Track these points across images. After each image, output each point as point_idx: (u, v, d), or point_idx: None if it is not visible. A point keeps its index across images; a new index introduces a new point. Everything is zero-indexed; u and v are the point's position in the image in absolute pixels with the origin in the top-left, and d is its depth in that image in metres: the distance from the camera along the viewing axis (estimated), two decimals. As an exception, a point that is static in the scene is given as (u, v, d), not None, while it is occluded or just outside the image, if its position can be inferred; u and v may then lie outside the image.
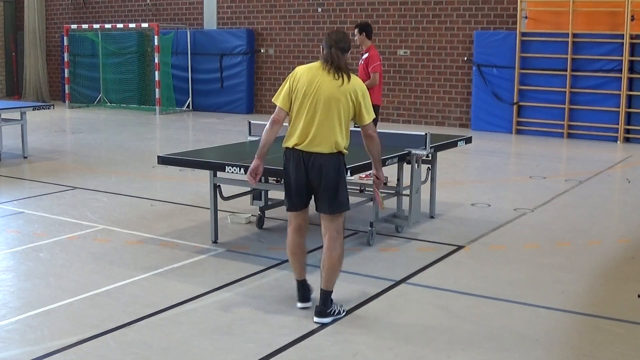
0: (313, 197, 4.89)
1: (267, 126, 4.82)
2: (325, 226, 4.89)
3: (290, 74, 4.82)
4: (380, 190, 6.93)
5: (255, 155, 4.89)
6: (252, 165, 4.89)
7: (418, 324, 4.79)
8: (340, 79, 4.70)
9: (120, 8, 20.76)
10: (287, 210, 4.96)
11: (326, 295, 4.81)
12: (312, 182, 4.77)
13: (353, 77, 4.78)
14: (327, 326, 4.72)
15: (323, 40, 4.85)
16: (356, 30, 9.20)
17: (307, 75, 4.74)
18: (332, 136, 4.73)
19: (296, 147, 4.74)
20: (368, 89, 9.00)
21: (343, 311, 4.87)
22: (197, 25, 19.30)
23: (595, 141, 13.90)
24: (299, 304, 5.01)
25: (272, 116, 4.81)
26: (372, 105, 9.23)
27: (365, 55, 9.13)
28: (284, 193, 4.95)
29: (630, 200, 8.91)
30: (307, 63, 18.03)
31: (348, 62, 4.82)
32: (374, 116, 4.97)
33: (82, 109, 19.71)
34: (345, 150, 4.86)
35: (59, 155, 11.92)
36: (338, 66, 4.72)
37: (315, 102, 4.69)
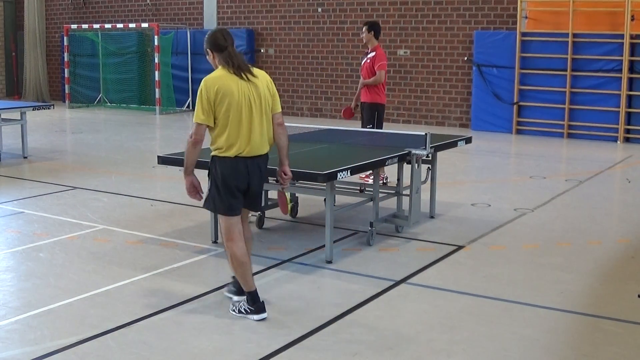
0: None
1: (189, 147, 4.70)
2: (244, 223, 5.00)
3: (201, 88, 4.62)
4: (380, 190, 6.96)
5: (185, 175, 4.83)
6: (187, 185, 4.83)
7: (418, 324, 4.79)
8: (250, 76, 4.70)
9: (120, 8, 20.76)
10: (230, 215, 4.79)
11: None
12: (249, 186, 4.81)
13: (256, 70, 4.83)
14: (327, 326, 4.71)
15: (207, 44, 4.74)
16: (365, 28, 9.20)
17: (221, 86, 4.61)
18: (267, 135, 4.86)
19: (239, 156, 4.69)
20: (372, 87, 9.06)
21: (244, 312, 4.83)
22: (197, 25, 19.30)
23: (595, 141, 13.90)
24: (258, 316, 4.78)
25: (193, 136, 4.65)
26: (377, 104, 9.30)
27: (372, 54, 9.14)
28: (217, 201, 4.79)
29: (630, 200, 8.92)
30: (307, 63, 18.12)
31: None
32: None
33: (82, 109, 19.71)
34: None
35: (59, 155, 11.92)
36: (239, 66, 4.67)
37: (246, 108, 4.66)
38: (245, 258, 4.84)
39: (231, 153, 4.69)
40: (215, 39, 4.71)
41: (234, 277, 5.09)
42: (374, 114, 9.09)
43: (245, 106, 4.65)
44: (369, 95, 9.14)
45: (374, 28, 9.21)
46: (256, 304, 4.81)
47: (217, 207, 4.82)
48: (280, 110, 4.95)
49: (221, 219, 4.87)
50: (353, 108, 9.55)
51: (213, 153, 4.77)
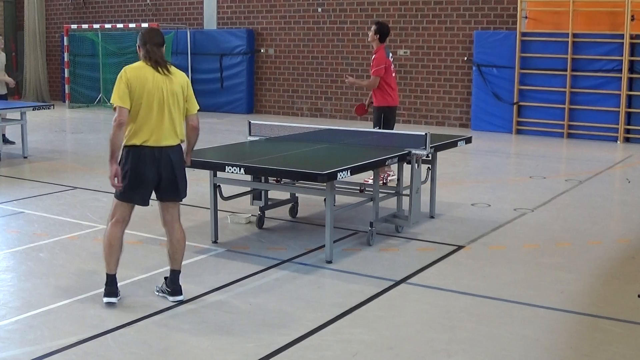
0: (154, 190, 5.05)
1: (114, 130, 4.81)
2: (170, 213, 5.11)
3: (120, 75, 4.88)
4: (380, 190, 6.95)
5: (111, 162, 4.88)
6: (112, 172, 4.89)
7: (418, 324, 4.79)
8: (166, 72, 4.93)
9: (120, 8, 20.76)
10: (122, 200, 4.99)
11: (178, 275, 5.15)
12: (162, 176, 4.92)
13: (173, 68, 5.02)
14: (327, 326, 4.72)
15: (138, 40, 5.02)
16: (373, 28, 9.11)
17: (138, 74, 4.86)
18: (177, 128, 4.98)
19: (145, 145, 4.87)
20: (378, 89, 9.06)
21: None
22: (197, 25, 19.30)
23: (595, 141, 13.90)
24: (106, 299, 4.99)
25: (117, 119, 4.80)
26: (384, 107, 9.29)
27: (373, 57, 9.15)
28: (123, 187, 4.92)
29: (630, 200, 8.91)
30: (307, 63, 18.16)
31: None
32: (197, 108, 5.16)
33: (82, 109, 19.71)
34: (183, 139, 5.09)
35: (59, 155, 11.92)
36: (157, 61, 4.91)
37: (158, 99, 4.87)
38: (115, 242, 5.01)
39: (137, 140, 4.87)
40: (142, 35, 4.99)
41: (166, 278, 5.21)
42: (380, 117, 9.09)
43: (157, 97, 4.87)
44: (376, 97, 9.15)
45: (380, 30, 9.08)
46: (106, 287, 5.01)
47: (117, 191, 4.98)
48: (196, 112, 5.13)
49: (113, 200, 5.07)
50: (367, 105, 9.52)
51: (123, 142, 4.90)
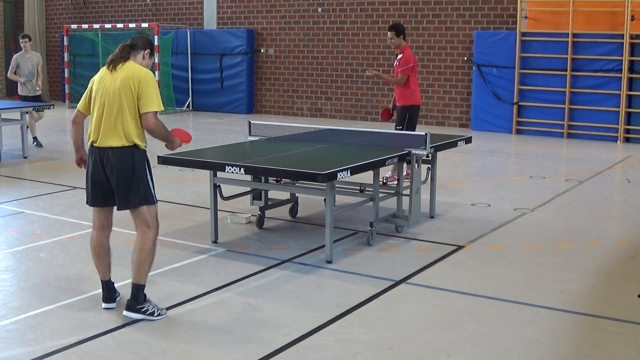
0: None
1: (70, 127, 5.11)
2: (134, 220, 4.85)
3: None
4: (380, 190, 6.95)
5: (75, 150, 5.15)
6: (76, 158, 5.21)
7: (418, 324, 4.79)
8: (113, 69, 4.78)
9: (120, 8, 20.76)
10: (88, 204, 4.97)
11: (136, 289, 4.77)
12: (110, 179, 4.77)
13: (133, 66, 4.78)
14: (327, 326, 4.72)
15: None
16: (392, 33, 8.98)
17: (98, 77, 4.88)
18: (121, 128, 4.70)
19: (93, 144, 4.82)
20: (403, 89, 9.00)
21: (159, 314, 4.78)
22: (197, 25, 19.31)
23: (595, 141, 13.90)
24: (104, 304, 4.97)
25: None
26: (410, 106, 9.21)
27: (400, 56, 9.07)
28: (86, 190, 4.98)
29: (630, 200, 8.91)
30: (307, 63, 18.13)
31: (146, 60, 4.92)
32: (157, 108, 4.73)
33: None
34: (140, 142, 4.76)
35: (59, 155, 11.92)
36: (111, 60, 4.82)
37: (102, 98, 4.77)
38: (99, 250, 4.94)
39: (88, 140, 4.87)
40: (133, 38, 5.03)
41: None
42: (405, 116, 9.08)
43: (100, 96, 4.78)
44: (401, 97, 9.10)
45: (400, 30, 9.02)
46: (102, 292, 5.00)
47: (86, 193, 5.00)
48: (149, 111, 4.69)
49: None
50: (392, 109, 9.42)
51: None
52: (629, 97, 13.84)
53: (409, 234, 6.95)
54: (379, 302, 5.19)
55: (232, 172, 6.13)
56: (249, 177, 6.79)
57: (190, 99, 18.98)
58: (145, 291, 4.83)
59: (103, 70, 4.87)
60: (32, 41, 13.01)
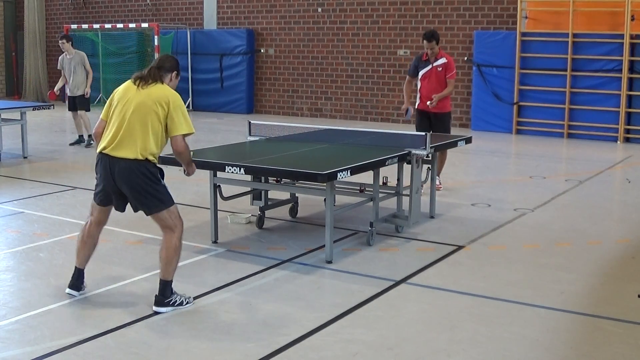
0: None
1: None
2: (156, 222, 5.04)
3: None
4: (380, 190, 6.94)
5: None
6: None
7: (418, 324, 4.79)
8: (143, 86, 4.90)
9: (120, 8, 20.76)
10: (96, 203, 5.13)
11: (164, 284, 4.94)
12: (121, 188, 4.90)
13: (164, 88, 4.93)
14: (327, 326, 4.71)
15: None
16: (432, 44, 8.75)
17: (123, 89, 5.01)
18: (139, 143, 4.82)
19: (103, 152, 4.91)
20: (445, 97, 8.87)
21: (187, 302, 5.01)
22: (197, 25, 19.30)
23: (595, 141, 13.90)
24: (67, 290, 5.17)
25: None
26: (450, 112, 8.98)
27: (443, 61, 8.83)
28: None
29: (630, 200, 8.91)
30: (307, 63, 18.12)
31: (173, 81, 5.05)
32: (188, 131, 4.94)
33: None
34: (152, 158, 4.91)
35: (59, 155, 11.92)
36: (140, 77, 4.95)
37: (125, 110, 4.87)
38: (87, 239, 5.15)
39: (99, 147, 4.97)
40: (160, 57, 5.18)
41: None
42: (449, 122, 9.06)
43: (123, 107, 4.88)
44: (444, 103, 8.94)
45: (439, 39, 8.87)
46: (71, 279, 5.18)
47: (94, 193, 5.15)
48: (180, 134, 4.88)
49: None
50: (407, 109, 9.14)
51: None
52: (629, 97, 13.84)
53: (409, 234, 6.95)
54: (379, 302, 5.19)
55: (232, 172, 6.13)
56: (249, 177, 6.80)
57: (190, 99, 18.97)
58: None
59: (128, 84, 5.00)
60: (70, 41, 12.94)
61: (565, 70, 14.21)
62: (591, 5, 14.17)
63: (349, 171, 5.94)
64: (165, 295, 4.93)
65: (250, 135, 7.85)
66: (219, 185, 6.62)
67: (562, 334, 4.66)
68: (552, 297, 5.28)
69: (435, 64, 8.87)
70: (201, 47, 18.74)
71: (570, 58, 14.11)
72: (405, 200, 6.97)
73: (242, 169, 6.08)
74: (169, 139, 4.93)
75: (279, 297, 5.26)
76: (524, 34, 14.63)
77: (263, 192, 7.15)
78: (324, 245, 6.17)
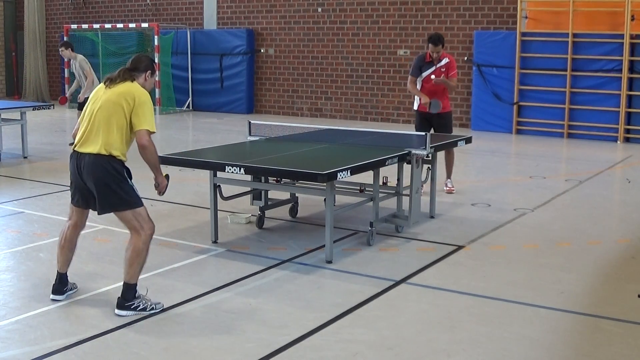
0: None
1: None
2: (124, 224, 5.01)
3: None
4: (380, 190, 6.95)
5: None
6: None
7: (418, 324, 4.79)
8: (110, 85, 4.95)
9: (120, 8, 20.76)
10: (71, 202, 5.15)
11: (126, 287, 4.89)
12: (88, 184, 4.90)
13: (132, 85, 4.95)
14: (327, 326, 4.71)
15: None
16: (439, 47, 8.69)
17: (95, 91, 5.10)
18: (103, 138, 4.84)
19: (74, 149, 4.97)
20: (448, 96, 8.85)
21: (152, 308, 4.90)
22: (197, 25, 19.30)
23: (595, 141, 13.90)
24: (51, 296, 5.14)
25: None
26: (447, 113, 8.93)
27: (446, 62, 8.80)
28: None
29: (630, 200, 8.91)
30: (307, 63, 18.08)
31: (148, 81, 5.07)
32: (151, 129, 4.90)
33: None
34: (119, 154, 4.88)
35: (59, 155, 11.91)
36: (110, 78, 5.00)
37: (92, 108, 4.94)
38: (65, 243, 5.14)
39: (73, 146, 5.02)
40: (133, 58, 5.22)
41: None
42: (451, 121, 9.06)
43: (91, 106, 4.96)
44: (445, 104, 8.89)
45: (444, 42, 8.85)
46: (54, 284, 5.16)
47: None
48: (143, 129, 4.85)
49: None
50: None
51: None
52: (629, 97, 13.84)
53: (409, 234, 6.95)
54: (379, 302, 5.19)
55: (232, 172, 6.13)
56: (249, 177, 6.80)
57: (190, 99, 18.98)
58: (149, 290, 4.83)
59: (100, 85, 5.08)
60: (69, 48, 12.85)
61: (565, 70, 14.21)
62: (591, 5, 14.17)
63: (349, 171, 5.94)
64: (126, 298, 4.85)
65: (250, 135, 7.85)
66: (219, 185, 6.62)
67: (562, 334, 4.66)
68: (552, 297, 5.28)
69: (438, 65, 8.83)
70: (201, 47, 18.74)
71: (570, 58, 14.11)
72: (405, 200, 6.97)
73: (242, 169, 6.08)
74: (134, 135, 4.91)
75: (279, 297, 5.26)
76: (524, 34, 14.63)
77: (263, 192, 7.15)
78: (324, 245, 6.17)
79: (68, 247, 5.15)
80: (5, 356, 4.24)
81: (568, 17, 14.08)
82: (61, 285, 5.16)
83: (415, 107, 9.11)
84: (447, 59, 8.85)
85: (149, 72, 5.07)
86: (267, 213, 7.33)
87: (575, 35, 14.10)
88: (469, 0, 15.51)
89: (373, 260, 6.18)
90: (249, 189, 7.12)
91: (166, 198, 8.54)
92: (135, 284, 4.90)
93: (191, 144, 13.33)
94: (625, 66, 13.64)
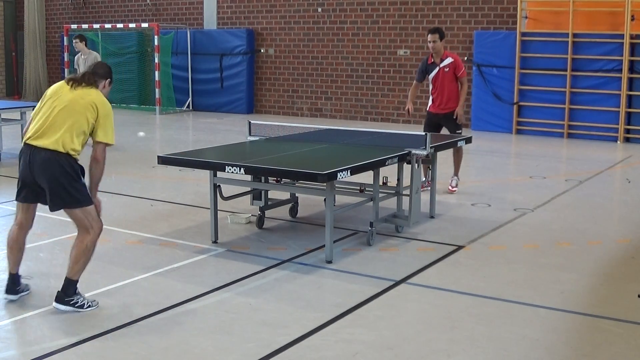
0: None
1: None
2: (73, 222, 4.99)
3: None
4: (380, 190, 6.95)
5: None
6: None
7: (418, 324, 4.79)
8: (81, 89, 4.92)
9: (120, 8, 20.76)
10: (17, 200, 5.16)
11: (68, 282, 4.90)
12: (38, 180, 4.88)
13: (98, 94, 4.97)
14: (327, 326, 4.71)
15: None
16: (435, 36, 8.65)
17: (55, 87, 5.04)
18: (63, 137, 4.82)
19: (27, 142, 4.91)
20: (457, 95, 8.82)
21: (89, 306, 4.93)
22: (197, 25, 19.31)
23: (595, 141, 13.90)
24: (5, 295, 5.11)
25: None
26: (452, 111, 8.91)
27: (449, 61, 8.76)
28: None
29: (630, 200, 8.91)
30: (307, 63, 18.14)
31: (106, 88, 5.08)
32: (110, 142, 5.02)
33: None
34: (74, 154, 4.89)
35: (59, 155, 11.90)
36: (74, 79, 4.98)
37: (54, 104, 4.89)
38: (13, 244, 5.10)
39: (24, 138, 4.99)
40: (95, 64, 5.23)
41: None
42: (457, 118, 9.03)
43: (53, 102, 4.91)
44: (454, 104, 8.88)
45: (443, 34, 8.77)
46: (6, 284, 5.12)
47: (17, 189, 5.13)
48: (101, 141, 4.95)
49: None
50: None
51: None
52: (629, 97, 13.84)
53: (409, 234, 6.95)
54: (379, 302, 5.19)
55: (232, 172, 6.13)
56: (249, 177, 6.80)
57: (190, 99, 18.98)
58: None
59: (61, 83, 5.05)
60: (84, 41, 12.85)
61: (565, 70, 14.21)
62: (591, 5, 14.17)
63: (349, 171, 5.94)
64: (67, 293, 4.89)
65: (250, 135, 7.85)
66: (219, 185, 6.62)
67: (562, 334, 4.66)
68: (552, 297, 5.28)
69: (441, 65, 8.80)
70: (201, 47, 18.74)
71: (570, 58, 14.11)
72: (405, 200, 6.97)
73: (242, 169, 6.08)
74: (93, 144, 4.95)
75: (279, 297, 5.26)
76: (524, 34, 14.63)
77: (263, 192, 7.15)
78: (324, 245, 6.17)
79: (17, 248, 5.12)
80: (5, 356, 4.24)
81: (568, 17, 14.08)
82: (14, 285, 5.13)
83: (427, 107, 9.15)
84: (450, 58, 8.83)
85: (107, 80, 5.10)
86: (267, 213, 7.34)
87: (575, 35, 14.10)
88: (469, 0, 15.51)
89: (373, 260, 6.18)
90: (249, 189, 7.12)
91: (166, 198, 8.56)
92: (77, 281, 4.93)
93: (191, 144, 13.33)
94: (625, 66, 13.64)
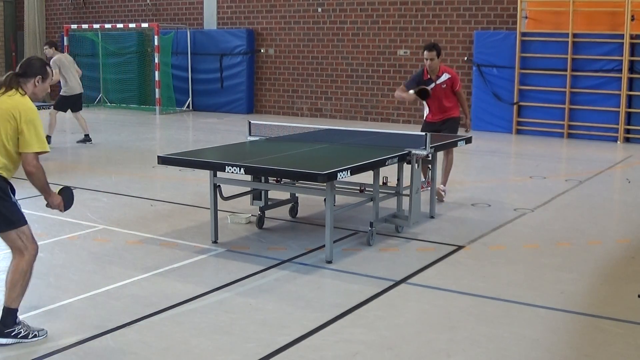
0: None
1: None
2: (6, 244, 4.50)
3: None
4: (380, 190, 6.94)
5: None
6: None
7: (418, 324, 4.79)
8: (1, 95, 4.40)
9: (120, 8, 20.76)
10: None
11: (6, 312, 4.40)
12: None
13: (18, 99, 4.41)
14: (327, 326, 4.71)
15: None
16: (432, 54, 8.41)
17: None
18: None
19: None
20: (458, 103, 8.77)
21: (34, 336, 4.42)
22: (197, 25, 19.31)
23: (595, 141, 13.90)
24: None
25: None
26: (459, 115, 8.86)
27: (446, 77, 8.56)
28: None
29: (630, 200, 8.91)
30: (307, 63, 18.08)
31: (38, 87, 4.54)
32: (40, 149, 4.56)
33: (82, 109, 19.67)
34: (2, 172, 4.50)
35: (59, 155, 11.91)
36: None
37: None
38: None
39: None
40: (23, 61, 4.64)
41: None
42: (457, 126, 8.93)
43: None
44: (454, 111, 8.80)
45: (440, 52, 8.59)
46: None
47: None
48: (31, 152, 4.48)
49: None
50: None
51: None
52: (629, 97, 13.84)
53: (409, 234, 6.95)
54: (379, 302, 5.19)
55: (232, 172, 6.13)
56: (249, 177, 6.80)
57: (190, 99, 18.98)
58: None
59: None
60: (53, 47, 12.78)
61: (565, 70, 14.21)
62: (591, 5, 14.17)
63: (349, 171, 5.94)
64: (6, 324, 4.35)
65: (250, 135, 7.85)
66: (219, 185, 6.62)
67: (562, 334, 4.66)
68: (552, 297, 5.28)
69: (438, 82, 8.53)
70: (201, 47, 18.74)
71: (570, 58, 14.11)
72: (405, 200, 6.97)
73: (242, 169, 6.08)
74: (22, 156, 4.49)
75: (279, 297, 5.26)
76: (524, 34, 14.63)
77: (263, 192, 7.15)
78: (324, 245, 6.17)
79: None
80: (5, 356, 4.24)
81: (568, 17, 14.08)
82: None
83: (424, 118, 9.06)
84: (447, 74, 8.57)
85: (39, 77, 4.50)
86: (267, 213, 7.33)
87: (575, 35, 14.10)
88: (469, 0, 15.51)
89: (373, 260, 6.18)
90: (249, 189, 7.12)
91: (166, 198, 8.56)
92: (16, 309, 4.40)
93: (191, 144, 13.33)
94: (625, 66, 13.64)
